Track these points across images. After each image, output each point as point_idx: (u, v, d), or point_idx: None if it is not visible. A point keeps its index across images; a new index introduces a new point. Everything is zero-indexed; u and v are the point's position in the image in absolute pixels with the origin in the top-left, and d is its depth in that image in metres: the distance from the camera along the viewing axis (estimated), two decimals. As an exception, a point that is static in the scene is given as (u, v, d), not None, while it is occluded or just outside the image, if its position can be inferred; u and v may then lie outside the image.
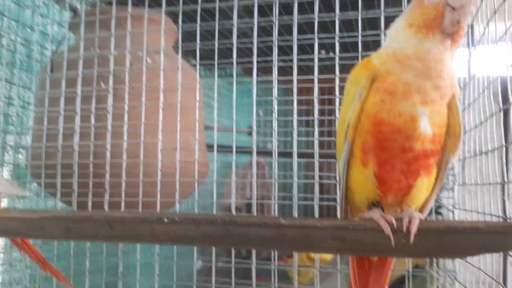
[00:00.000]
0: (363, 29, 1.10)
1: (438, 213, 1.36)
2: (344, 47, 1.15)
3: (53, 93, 1.21)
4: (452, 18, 0.66)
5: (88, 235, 0.83)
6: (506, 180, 0.80)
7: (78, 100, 1.17)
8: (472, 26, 1.10)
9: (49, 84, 1.22)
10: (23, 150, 1.48)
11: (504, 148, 0.81)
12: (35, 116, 1.31)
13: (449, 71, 0.69)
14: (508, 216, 0.77)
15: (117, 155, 1.13)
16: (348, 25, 1.29)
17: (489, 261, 0.98)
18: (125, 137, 1.13)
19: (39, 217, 0.80)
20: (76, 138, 1.15)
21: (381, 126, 0.69)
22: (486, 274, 0.93)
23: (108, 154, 1.13)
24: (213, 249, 1.21)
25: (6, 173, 1.44)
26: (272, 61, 1.13)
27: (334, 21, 1.09)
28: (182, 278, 1.31)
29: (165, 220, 0.75)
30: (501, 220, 0.83)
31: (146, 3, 1.18)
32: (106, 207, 1.13)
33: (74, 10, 1.44)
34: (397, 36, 0.71)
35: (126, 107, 1.14)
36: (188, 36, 1.46)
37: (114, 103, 1.15)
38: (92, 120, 1.15)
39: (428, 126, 0.68)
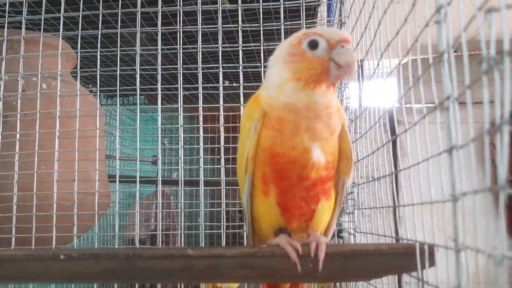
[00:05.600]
0: (265, 60, 1.13)
1: (339, 237, 1.41)
2: (247, 77, 1.18)
3: None
4: (337, 74, 0.70)
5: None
6: (397, 203, 0.85)
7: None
8: (362, 62, 1.17)
9: None
10: None
11: (394, 174, 0.87)
12: None
13: (337, 108, 0.73)
14: (400, 236, 0.82)
15: (7, 187, 1.04)
16: (250, 56, 1.33)
17: (385, 281, 1.02)
18: (16, 168, 1.05)
19: None
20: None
21: (277, 157, 0.71)
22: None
23: (-4, 186, 1.04)
24: (115, 285, 1.14)
25: None
26: (175, 89, 1.12)
27: (235, 52, 1.11)
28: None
29: (61, 256, 0.69)
30: (394, 241, 0.88)
31: (42, 27, 1.11)
32: (-7, 245, 1.03)
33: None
34: (284, 88, 0.72)
35: (17, 135, 1.06)
36: (88, 63, 1.41)
37: (4, 131, 1.06)
38: (-22, 150, 1.05)
39: (321, 156, 0.71)
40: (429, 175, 0.67)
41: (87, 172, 1.12)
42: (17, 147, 1.06)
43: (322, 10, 1.39)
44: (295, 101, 0.70)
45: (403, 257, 0.66)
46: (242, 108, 1.09)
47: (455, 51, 0.66)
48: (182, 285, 1.12)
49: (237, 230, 1.26)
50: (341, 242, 1.43)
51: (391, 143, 0.89)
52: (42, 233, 1.04)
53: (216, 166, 1.17)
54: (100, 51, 1.10)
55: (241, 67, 1.10)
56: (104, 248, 0.72)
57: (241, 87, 1.10)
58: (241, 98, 1.10)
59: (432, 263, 0.65)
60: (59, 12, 1.10)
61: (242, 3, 1.11)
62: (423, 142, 0.70)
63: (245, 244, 0.94)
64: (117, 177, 1.14)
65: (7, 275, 0.70)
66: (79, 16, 1.10)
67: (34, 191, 1.05)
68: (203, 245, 1.06)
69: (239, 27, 1.10)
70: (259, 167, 0.73)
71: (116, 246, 1.08)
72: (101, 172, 1.17)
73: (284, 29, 1.11)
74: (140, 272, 0.69)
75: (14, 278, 0.75)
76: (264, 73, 1.09)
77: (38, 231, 1.04)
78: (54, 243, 1.04)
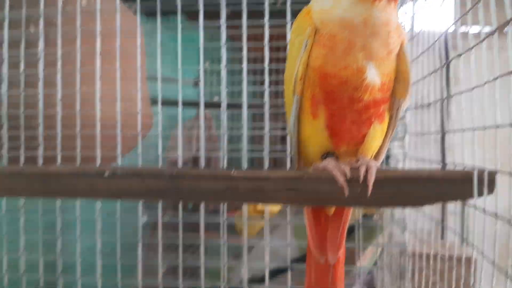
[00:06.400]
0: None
1: (387, 163, 1.37)
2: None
3: (-25, 37, 1.08)
4: None
5: (20, 191, 0.75)
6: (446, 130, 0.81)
7: (5, 45, 1.06)
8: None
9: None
10: None
11: (445, 101, 0.82)
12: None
13: (396, 26, 0.67)
14: (453, 163, 0.78)
15: (51, 105, 1.05)
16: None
17: (429, 209, 1.00)
18: (59, 86, 1.04)
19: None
20: (5, 87, 1.05)
21: (328, 78, 0.66)
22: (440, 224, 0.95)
23: (40, 104, 1.04)
24: (159, 203, 1.16)
25: None
26: (217, 4, 1.06)
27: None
28: (127, 234, 1.25)
29: (106, 174, 0.69)
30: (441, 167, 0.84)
31: None
32: (40, 162, 1.05)
33: None
34: (339, 1, 0.65)
35: (59, 53, 1.04)
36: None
37: (46, 48, 1.05)
38: (22, 66, 1.05)
39: (376, 77, 0.66)
40: (486, 100, 0.62)
41: (129, 92, 1.10)
42: (59, 64, 1.05)
43: None
44: (351, 16, 0.64)
45: (459, 185, 0.63)
46: (289, 26, 1.03)
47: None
48: (225, 206, 1.13)
49: (278, 155, 1.24)
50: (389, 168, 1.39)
51: (444, 68, 0.83)
52: (87, 151, 1.06)
53: (258, 90, 1.13)
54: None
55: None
56: (149, 167, 0.72)
57: (288, 1, 1.03)
58: (288, 15, 1.03)
59: (491, 190, 0.61)
60: None
61: None
62: (478, 68, 0.65)
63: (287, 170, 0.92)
64: (160, 97, 1.11)
65: (53, 190, 0.71)
66: None
67: (78, 109, 1.05)
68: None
69: None
70: (308, 88, 0.69)
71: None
72: (143, 91, 1.15)
73: None
74: (184, 192, 0.68)
75: (60, 194, 0.76)
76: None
77: (83, 149, 1.06)
78: (98, 162, 1.05)
